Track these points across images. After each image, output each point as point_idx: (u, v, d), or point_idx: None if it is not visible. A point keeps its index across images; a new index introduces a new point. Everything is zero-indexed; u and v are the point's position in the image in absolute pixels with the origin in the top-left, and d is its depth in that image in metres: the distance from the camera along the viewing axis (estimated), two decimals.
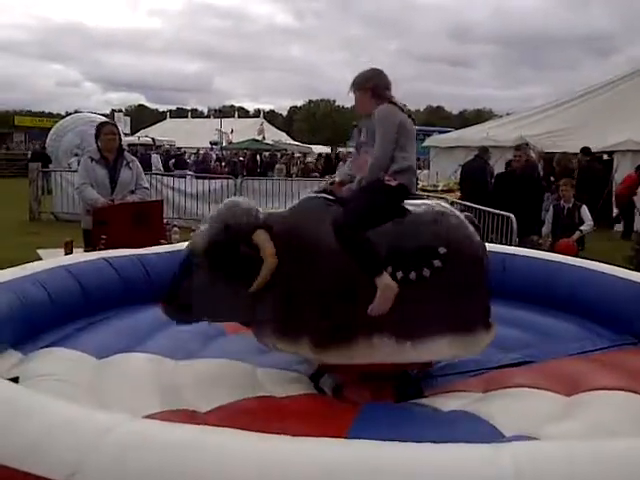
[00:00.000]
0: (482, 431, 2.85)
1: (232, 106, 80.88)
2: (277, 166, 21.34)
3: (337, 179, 3.84)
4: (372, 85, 3.67)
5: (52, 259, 4.47)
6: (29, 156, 25.85)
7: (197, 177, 15.43)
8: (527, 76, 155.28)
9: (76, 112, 38.49)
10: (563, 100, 18.49)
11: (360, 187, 3.54)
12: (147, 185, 5.99)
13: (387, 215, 3.44)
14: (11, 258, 4.38)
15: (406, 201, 3.57)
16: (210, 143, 38.42)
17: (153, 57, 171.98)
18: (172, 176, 15.19)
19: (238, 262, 3.38)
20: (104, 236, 5.20)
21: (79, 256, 4.55)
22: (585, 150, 11.24)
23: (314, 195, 3.74)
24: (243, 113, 72.66)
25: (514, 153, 8.82)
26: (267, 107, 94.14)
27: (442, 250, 3.39)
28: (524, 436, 2.70)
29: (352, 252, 3.29)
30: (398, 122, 3.56)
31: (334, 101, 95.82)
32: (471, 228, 3.64)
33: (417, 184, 3.80)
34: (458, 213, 3.71)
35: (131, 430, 1.84)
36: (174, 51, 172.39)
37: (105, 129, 5.75)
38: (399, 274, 3.32)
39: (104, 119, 28.27)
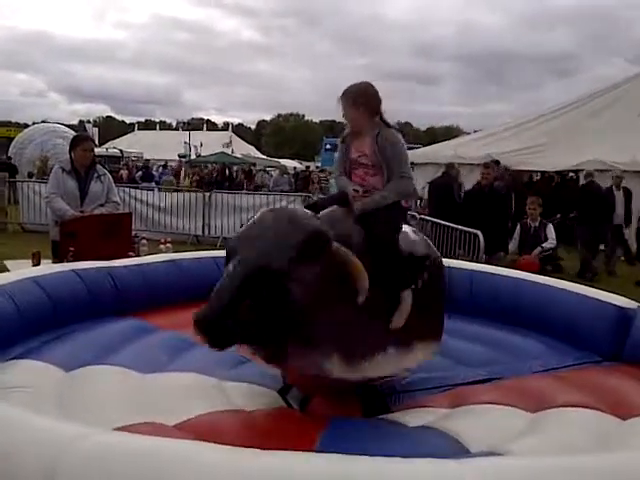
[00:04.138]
0: (448, 447, 2.88)
1: (201, 119, 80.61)
2: None
3: (360, 189, 3.60)
4: (367, 101, 3.62)
5: (20, 270, 4.40)
6: None
7: (165, 190, 15.29)
8: (493, 94, 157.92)
9: (43, 122, 38.18)
10: (530, 118, 18.78)
11: (384, 206, 3.53)
12: (117, 199, 5.94)
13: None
14: None
15: None
16: (178, 156, 38.22)
17: (120, 69, 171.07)
18: (140, 188, 15.05)
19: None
20: (72, 248, 5.15)
21: (47, 268, 4.50)
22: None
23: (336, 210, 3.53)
24: (212, 126, 72.53)
25: (482, 170, 8.95)
26: (236, 120, 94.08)
27: (427, 262, 3.68)
28: (490, 452, 2.73)
29: (391, 266, 3.39)
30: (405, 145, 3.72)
31: (303, 115, 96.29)
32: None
33: None
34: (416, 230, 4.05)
35: (99, 441, 1.83)
36: (141, 63, 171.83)
37: (83, 144, 5.70)
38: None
39: (67, 129, 27.99)
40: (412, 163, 18.32)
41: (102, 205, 5.63)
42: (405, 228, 3.79)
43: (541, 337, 4.49)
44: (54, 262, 5.18)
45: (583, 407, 3.27)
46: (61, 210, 5.38)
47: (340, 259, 2.99)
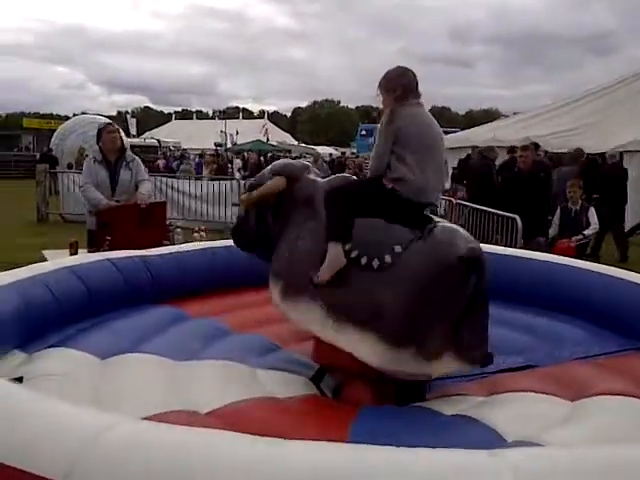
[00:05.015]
0: (483, 436, 2.82)
1: (236, 107, 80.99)
2: None
3: None
4: (387, 84, 3.60)
5: (56, 260, 4.46)
6: (37, 157, 25.94)
7: (196, 178, 15.41)
8: (531, 75, 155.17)
9: (83, 114, 38.70)
10: (570, 99, 18.38)
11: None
12: (147, 177, 6.01)
13: (372, 207, 3.51)
14: (18, 259, 4.38)
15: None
16: (215, 144, 38.43)
17: (156, 59, 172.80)
18: (176, 177, 15.17)
19: None
20: (108, 237, 5.20)
21: (83, 257, 4.55)
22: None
23: None
24: (247, 114, 72.75)
25: (520, 153, 8.75)
26: (271, 108, 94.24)
27: (397, 249, 3.39)
28: (526, 442, 2.67)
29: (327, 214, 3.50)
30: (396, 129, 3.46)
31: (338, 102, 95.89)
32: None
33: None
34: None
35: (127, 430, 1.82)
36: (177, 53, 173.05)
37: (107, 128, 5.80)
38: (353, 253, 3.43)
39: (108, 120, 28.46)
40: (448, 148, 18.20)
41: (136, 188, 5.68)
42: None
43: (582, 323, 4.38)
44: (89, 251, 5.23)
45: (625, 395, 3.18)
46: (95, 199, 5.45)
47: None
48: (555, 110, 18.01)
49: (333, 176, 4.05)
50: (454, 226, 3.67)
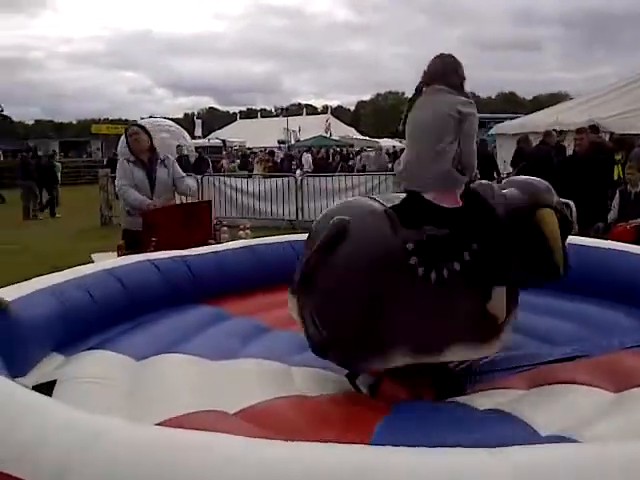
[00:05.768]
0: (515, 432, 2.71)
1: (299, 104, 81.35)
2: None
3: None
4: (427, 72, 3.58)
5: (97, 263, 4.55)
6: (105, 163, 26.70)
7: (264, 176, 15.57)
8: (599, 56, 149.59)
9: (150, 117, 39.66)
10: (632, 79, 17.63)
11: None
12: (184, 174, 6.03)
13: None
14: (74, 263, 4.48)
15: None
16: (278, 142, 38.73)
17: (220, 60, 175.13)
18: (234, 176, 15.36)
19: None
20: (154, 238, 5.26)
21: (124, 259, 4.62)
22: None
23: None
24: (311, 110, 73.01)
25: (575, 136, 8.45)
26: (334, 103, 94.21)
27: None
28: (561, 436, 2.57)
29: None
30: None
31: (403, 93, 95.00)
32: None
33: None
34: None
35: (121, 435, 1.82)
36: (239, 53, 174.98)
37: (129, 131, 5.86)
38: None
39: (171, 123, 28.93)
40: (507, 134, 17.73)
41: (174, 187, 5.73)
42: None
43: (635, 311, 4.18)
44: (128, 253, 5.28)
45: None
46: (137, 200, 5.46)
47: None
48: (618, 90, 17.29)
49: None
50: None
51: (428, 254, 3.17)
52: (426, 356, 3.26)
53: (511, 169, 13.38)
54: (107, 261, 4.62)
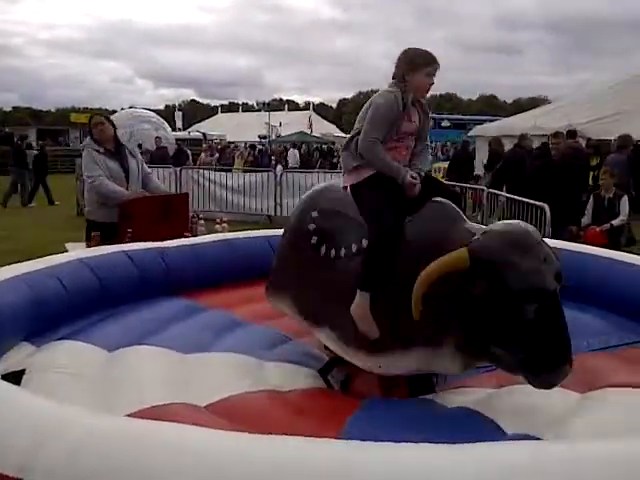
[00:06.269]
0: (483, 429, 2.76)
1: (281, 99, 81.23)
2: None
3: (415, 175, 3.41)
4: None
5: (70, 252, 4.53)
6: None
7: (244, 171, 15.55)
8: (580, 62, 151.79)
9: (131, 108, 39.36)
10: (614, 84, 17.86)
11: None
12: (149, 170, 5.97)
13: None
14: (48, 253, 4.43)
15: None
16: (259, 137, 38.66)
17: (203, 52, 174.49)
18: (214, 170, 15.31)
19: None
20: (130, 230, 5.23)
21: (97, 249, 4.59)
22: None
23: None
24: (293, 106, 72.91)
25: (551, 140, 8.55)
26: (317, 100, 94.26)
27: None
28: (526, 435, 2.61)
29: None
30: None
31: None
32: None
33: None
34: None
35: (89, 425, 1.82)
36: (223, 46, 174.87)
37: (93, 120, 5.68)
38: None
39: (152, 114, 28.70)
40: (485, 137, 17.88)
41: (144, 185, 5.66)
42: None
43: (603, 313, 4.25)
44: (89, 245, 5.21)
45: (637, 387, 3.06)
46: (115, 192, 5.36)
47: None
48: (596, 96, 17.51)
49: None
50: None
51: (326, 235, 3.55)
52: (310, 324, 3.60)
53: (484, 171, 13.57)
54: (81, 251, 4.59)
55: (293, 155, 23.91)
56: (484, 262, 2.77)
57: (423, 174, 3.48)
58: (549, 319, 2.76)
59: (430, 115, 3.66)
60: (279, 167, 17.82)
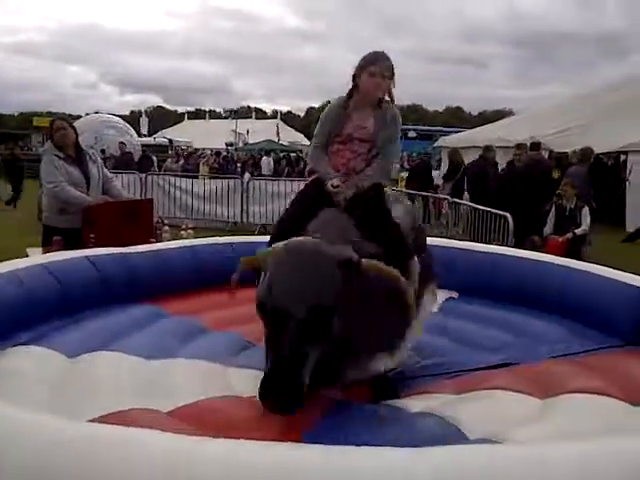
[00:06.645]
0: (445, 434, 2.78)
1: (249, 107, 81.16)
2: None
3: (340, 182, 3.38)
4: (394, 73, 3.48)
5: (31, 257, 4.46)
6: None
7: (210, 177, 15.51)
8: (544, 75, 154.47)
9: (96, 113, 38.87)
10: (576, 98, 18.25)
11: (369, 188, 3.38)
12: (111, 175, 5.89)
13: None
14: (12, 257, 4.34)
15: None
16: (226, 144, 38.53)
17: (170, 59, 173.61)
18: (179, 176, 15.23)
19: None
20: (92, 235, 5.17)
21: (59, 254, 4.52)
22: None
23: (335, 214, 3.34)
24: (261, 114, 72.89)
25: (514, 152, 8.70)
26: (284, 108, 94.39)
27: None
28: (487, 439, 2.64)
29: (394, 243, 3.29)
30: None
31: None
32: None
33: None
34: None
35: (49, 431, 1.80)
36: (190, 53, 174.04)
37: (55, 124, 5.53)
38: None
39: (118, 119, 28.42)
40: (450, 148, 18.10)
41: (104, 191, 5.58)
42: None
43: (563, 321, 4.32)
44: (46, 251, 5.08)
45: (597, 393, 3.12)
46: (78, 198, 5.26)
47: (374, 273, 2.89)
48: (558, 109, 17.87)
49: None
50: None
51: None
52: None
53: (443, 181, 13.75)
54: (42, 255, 4.53)
55: (267, 163, 23.88)
56: None
57: (363, 185, 3.35)
58: None
59: (397, 129, 3.54)
60: (247, 174, 17.80)
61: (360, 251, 2.94)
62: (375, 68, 3.39)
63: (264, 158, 24.75)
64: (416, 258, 3.46)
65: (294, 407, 2.64)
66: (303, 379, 2.64)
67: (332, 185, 3.32)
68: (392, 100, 3.55)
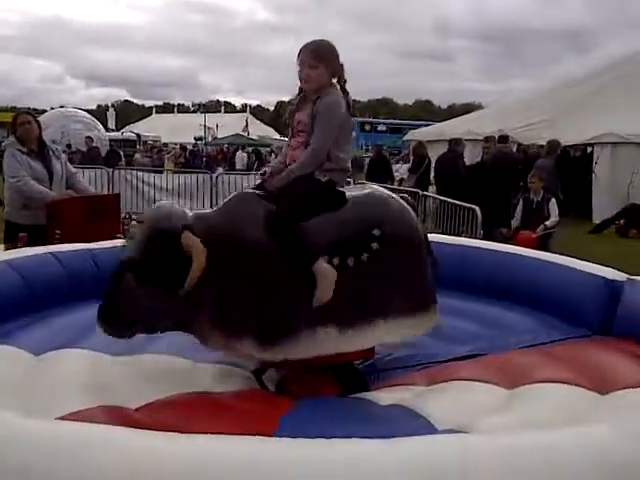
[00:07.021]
0: (414, 426, 2.79)
1: (218, 101, 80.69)
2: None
3: (268, 170, 3.59)
4: (330, 59, 3.40)
5: None
6: None
7: (175, 172, 15.37)
8: (511, 69, 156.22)
9: (62, 107, 38.31)
10: (544, 92, 18.45)
11: (291, 182, 3.37)
12: (75, 170, 5.83)
13: (319, 209, 3.30)
14: None
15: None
16: (194, 138, 38.27)
17: (137, 53, 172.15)
18: (147, 171, 15.09)
19: (170, 267, 3.20)
20: (58, 231, 5.10)
21: (23, 251, 4.45)
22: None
23: (245, 191, 3.67)
24: (230, 108, 72.54)
25: (483, 145, 8.77)
26: (254, 102, 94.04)
27: (377, 232, 3.29)
28: (456, 430, 2.65)
29: (287, 246, 3.20)
30: (342, 116, 3.38)
31: None
32: (405, 207, 3.53)
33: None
34: (390, 195, 3.58)
35: (15, 428, 1.77)
36: (158, 46, 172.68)
37: (19, 118, 5.47)
38: (335, 261, 3.22)
39: (84, 114, 28.09)
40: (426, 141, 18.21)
41: (68, 187, 5.50)
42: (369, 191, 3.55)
43: (532, 312, 4.36)
44: (7, 248, 5.01)
45: (562, 383, 3.16)
46: (41, 193, 5.20)
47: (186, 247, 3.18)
48: (526, 102, 18.07)
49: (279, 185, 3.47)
50: (367, 190, 3.60)
51: None
52: None
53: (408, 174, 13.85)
54: (6, 252, 4.45)
55: (241, 158, 23.81)
56: None
57: (290, 175, 3.38)
58: None
59: (321, 115, 3.35)
60: (220, 169, 17.71)
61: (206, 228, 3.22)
62: (297, 59, 3.41)
63: (238, 153, 24.67)
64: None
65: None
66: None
67: (261, 174, 3.47)
68: (341, 82, 3.47)
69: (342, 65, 3.48)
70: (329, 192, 3.37)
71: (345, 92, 3.49)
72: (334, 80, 3.47)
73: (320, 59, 3.37)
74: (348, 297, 3.23)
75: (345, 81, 3.49)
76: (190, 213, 3.37)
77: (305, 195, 3.32)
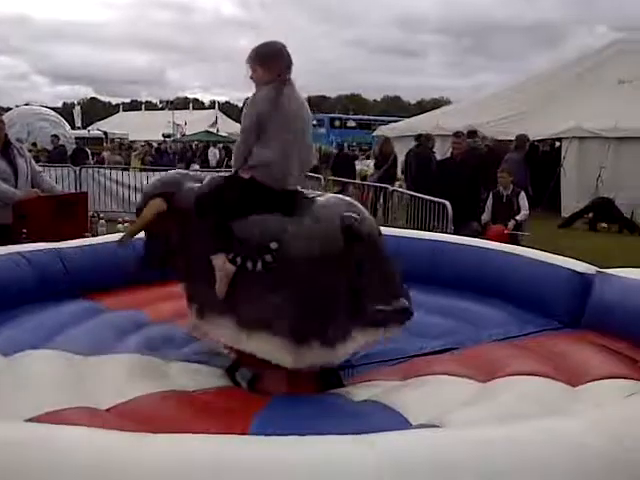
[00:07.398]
0: (388, 421, 2.79)
1: (186, 98, 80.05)
2: None
3: None
4: (278, 61, 3.41)
5: None
6: None
7: (141, 170, 15.20)
8: (479, 65, 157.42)
9: (27, 105, 37.65)
10: (511, 86, 18.62)
11: (207, 181, 3.56)
12: (41, 169, 5.75)
13: (240, 206, 3.35)
14: None
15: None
16: (163, 135, 37.86)
17: (103, 50, 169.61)
18: (112, 169, 14.90)
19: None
20: (24, 230, 5.01)
21: None
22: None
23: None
24: (199, 105, 71.90)
25: (453, 140, 8.82)
26: (222, 98, 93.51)
27: (274, 245, 3.23)
28: (429, 424, 2.66)
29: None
30: (263, 112, 3.30)
31: None
32: (332, 230, 3.29)
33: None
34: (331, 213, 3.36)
35: None
36: (124, 43, 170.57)
37: None
38: (238, 260, 3.29)
39: (50, 112, 27.59)
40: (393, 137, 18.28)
41: (32, 185, 5.39)
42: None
43: (504, 305, 4.40)
44: None
45: (534, 375, 3.19)
46: (7, 192, 5.08)
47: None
48: (495, 98, 18.21)
49: (206, 180, 3.64)
50: (332, 199, 3.56)
51: None
52: None
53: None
54: None
55: (213, 154, 23.64)
56: None
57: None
58: None
59: (243, 113, 3.44)
60: (196, 166, 17.55)
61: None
62: (250, 62, 3.49)
63: (210, 149, 24.49)
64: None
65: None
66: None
67: None
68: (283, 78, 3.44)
69: (289, 65, 3.47)
70: (233, 190, 3.39)
71: (283, 87, 3.39)
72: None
73: (261, 62, 3.42)
74: (244, 298, 3.30)
75: (288, 78, 3.44)
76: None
77: (208, 194, 3.43)
